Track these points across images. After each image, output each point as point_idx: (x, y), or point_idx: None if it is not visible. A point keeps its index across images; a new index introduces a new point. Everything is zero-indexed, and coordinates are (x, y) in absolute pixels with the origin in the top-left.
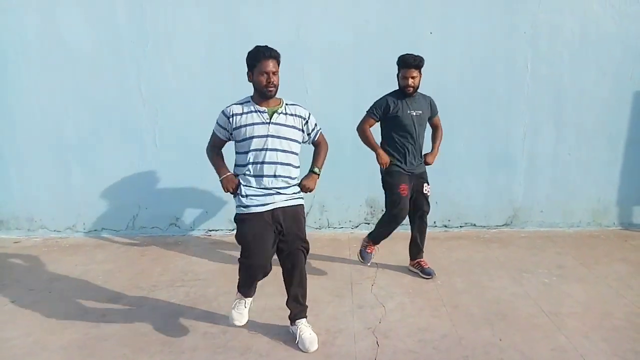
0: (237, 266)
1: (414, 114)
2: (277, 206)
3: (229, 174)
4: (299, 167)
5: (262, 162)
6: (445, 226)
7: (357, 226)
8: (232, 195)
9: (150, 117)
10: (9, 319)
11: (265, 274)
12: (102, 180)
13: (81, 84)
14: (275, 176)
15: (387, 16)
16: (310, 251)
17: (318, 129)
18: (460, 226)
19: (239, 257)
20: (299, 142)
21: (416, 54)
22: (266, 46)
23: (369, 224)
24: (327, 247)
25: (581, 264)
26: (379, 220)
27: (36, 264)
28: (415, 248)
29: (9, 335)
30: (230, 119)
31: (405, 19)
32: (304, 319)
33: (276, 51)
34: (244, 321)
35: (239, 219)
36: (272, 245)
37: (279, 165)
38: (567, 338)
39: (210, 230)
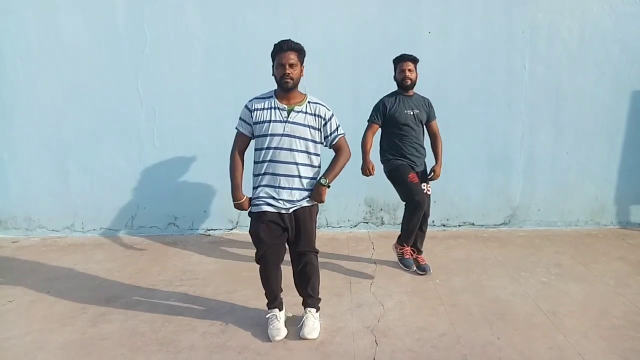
0: (236, 265)
1: (411, 112)
2: (289, 207)
3: (243, 200)
4: (319, 167)
5: (277, 161)
6: (444, 225)
7: (356, 225)
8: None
9: (149, 117)
10: (7, 319)
11: (277, 269)
12: (100, 180)
13: (80, 84)
14: (289, 176)
15: (385, 16)
16: None
17: (339, 133)
18: (459, 225)
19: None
20: (319, 142)
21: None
22: (288, 39)
23: (367, 223)
24: (326, 246)
25: (579, 262)
26: (403, 219)
27: (34, 263)
28: (414, 247)
29: (7, 334)
30: (253, 113)
31: (404, 19)
32: (314, 309)
33: (296, 44)
34: (282, 334)
35: (251, 214)
36: (282, 243)
37: (293, 165)
38: (565, 337)
39: (209, 230)
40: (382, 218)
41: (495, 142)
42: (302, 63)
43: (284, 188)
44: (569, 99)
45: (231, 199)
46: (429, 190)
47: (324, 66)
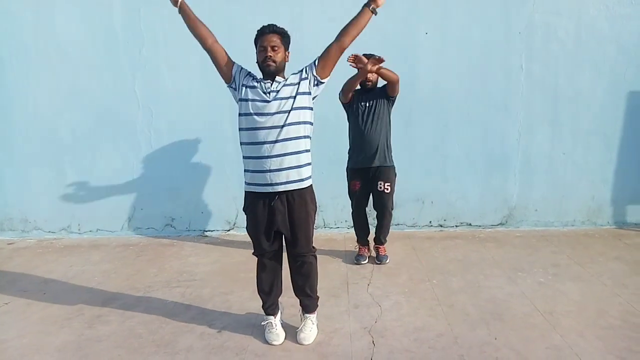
0: (233, 266)
1: (367, 104)
2: (277, 190)
3: None
4: (309, 137)
5: (268, 142)
6: (441, 226)
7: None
8: None
9: (146, 118)
10: (3, 321)
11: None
12: (96, 181)
13: (76, 84)
14: (275, 156)
15: (383, 17)
16: None
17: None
18: (456, 226)
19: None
20: (309, 108)
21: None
22: (269, 24)
23: None
24: (323, 247)
25: (576, 263)
26: None
27: (31, 265)
28: (376, 238)
29: (3, 337)
30: (237, 79)
31: (401, 19)
32: (312, 315)
33: (280, 27)
34: (280, 340)
35: (245, 197)
36: (273, 233)
37: (281, 143)
38: (562, 337)
39: (206, 231)
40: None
41: (492, 142)
42: (286, 48)
43: (271, 171)
44: (566, 100)
45: (227, 199)
46: (387, 189)
47: None
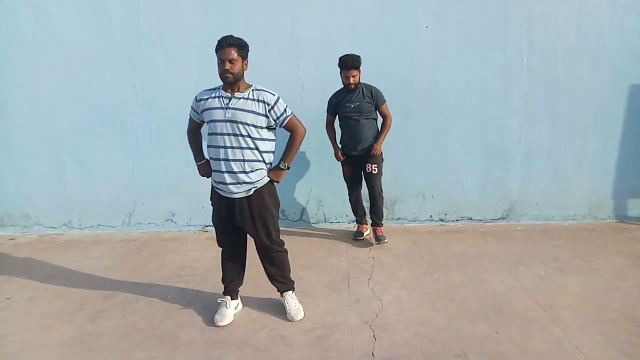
0: None
1: (352, 105)
2: (235, 191)
3: (203, 161)
4: (269, 152)
5: (221, 146)
6: (442, 220)
7: (354, 221)
8: None
9: (145, 113)
10: (5, 316)
11: (232, 261)
12: (97, 177)
13: (75, 79)
14: (231, 160)
15: (382, 10)
16: (307, 246)
17: (287, 115)
18: (457, 220)
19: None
20: (263, 127)
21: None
22: (229, 35)
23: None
24: (324, 241)
25: (577, 256)
26: None
27: (32, 260)
28: (373, 220)
29: (5, 332)
30: (198, 103)
31: (401, 12)
32: (290, 291)
33: (237, 39)
34: (226, 321)
35: (211, 197)
36: (234, 229)
37: (238, 150)
38: (563, 330)
39: (207, 226)
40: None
41: (492, 136)
42: (244, 57)
43: (228, 172)
44: (566, 92)
45: None
46: (374, 170)
47: (319, 59)
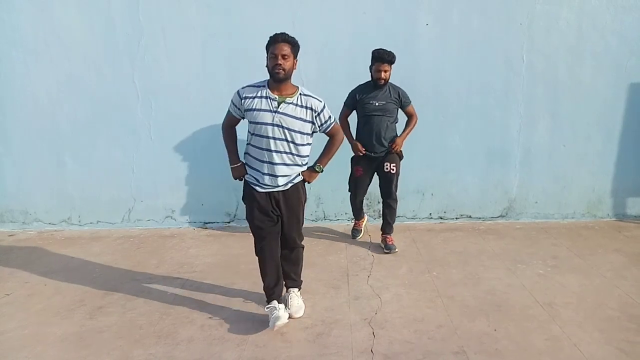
0: (233, 257)
1: (377, 104)
2: (275, 190)
3: (239, 164)
4: (307, 156)
5: (264, 149)
6: (441, 218)
7: (353, 218)
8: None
9: (145, 110)
10: (5, 312)
11: (273, 258)
12: (97, 173)
13: (75, 76)
14: (275, 164)
15: (383, 8)
16: (307, 243)
17: (331, 122)
18: (456, 218)
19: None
20: (307, 134)
21: (389, 49)
22: (281, 32)
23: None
24: (323, 239)
25: (576, 255)
26: None
27: (31, 257)
28: (383, 229)
29: (5, 327)
30: (243, 101)
31: (402, 11)
32: (296, 289)
33: (291, 37)
34: (284, 320)
35: (244, 196)
36: (274, 225)
37: (280, 154)
38: (561, 328)
39: (207, 223)
40: (380, 211)
41: (492, 134)
42: (295, 56)
43: (269, 175)
44: (567, 91)
45: (228, 191)
46: (392, 169)
47: (321, 58)
